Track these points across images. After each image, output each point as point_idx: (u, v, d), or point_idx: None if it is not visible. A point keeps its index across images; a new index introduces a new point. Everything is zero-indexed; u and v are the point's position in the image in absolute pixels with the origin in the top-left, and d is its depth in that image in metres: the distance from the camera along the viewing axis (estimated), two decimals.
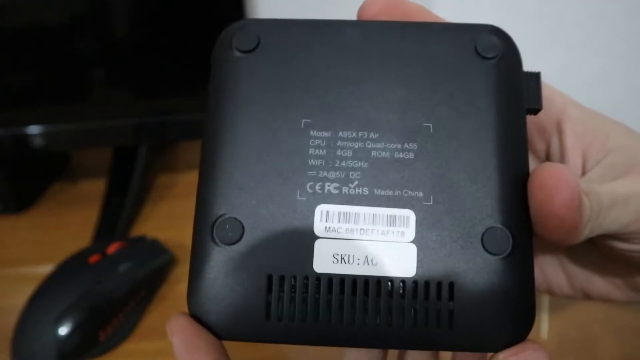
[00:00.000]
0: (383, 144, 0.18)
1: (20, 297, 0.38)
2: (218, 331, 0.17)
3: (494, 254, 0.17)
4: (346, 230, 0.17)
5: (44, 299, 0.37)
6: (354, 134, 0.18)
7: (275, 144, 0.18)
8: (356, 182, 0.18)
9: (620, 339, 0.35)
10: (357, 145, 0.18)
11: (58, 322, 0.35)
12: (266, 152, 0.18)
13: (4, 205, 0.51)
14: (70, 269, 0.39)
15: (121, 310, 0.37)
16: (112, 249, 0.40)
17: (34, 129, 0.47)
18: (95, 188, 0.53)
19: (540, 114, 0.21)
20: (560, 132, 0.22)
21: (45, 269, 0.39)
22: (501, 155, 0.18)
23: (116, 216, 0.48)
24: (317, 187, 0.18)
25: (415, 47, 0.19)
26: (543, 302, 0.37)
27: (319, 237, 0.17)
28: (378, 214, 0.17)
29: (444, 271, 0.17)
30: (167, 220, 0.49)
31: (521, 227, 0.17)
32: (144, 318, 0.39)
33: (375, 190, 0.17)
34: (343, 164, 0.18)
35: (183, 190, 0.54)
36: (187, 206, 0.55)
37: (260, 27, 0.19)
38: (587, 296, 0.26)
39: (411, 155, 0.18)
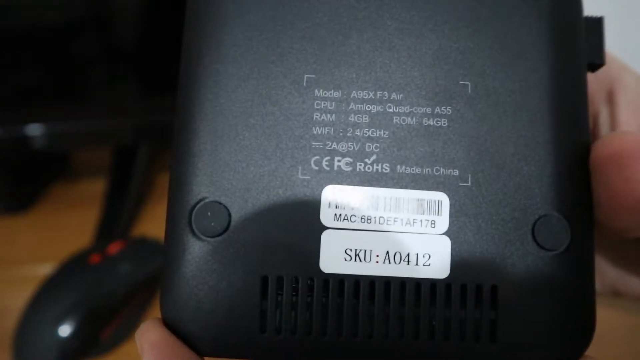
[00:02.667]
0: (408, 107, 0.14)
1: (20, 298, 0.37)
2: (199, 345, 0.14)
3: (548, 250, 0.14)
4: (362, 218, 0.14)
5: (45, 300, 0.37)
6: (371, 95, 0.14)
7: (269, 107, 0.14)
8: (374, 157, 0.14)
9: (624, 338, 0.35)
10: (375, 108, 0.14)
11: (59, 323, 0.35)
12: (258, 118, 0.14)
13: (3, 205, 0.51)
14: (70, 270, 0.39)
15: (122, 310, 0.37)
16: (113, 249, 0.40)
17: (34, 129, 0.47)
18: (95, 188, 0.53)
19: (591, 80, 0.17)
20: (611, 103, 0.19)
21: (46, 269, 0.39)
22: (558, 124, 0.14)
23: (117, 216, 0.48)
24: (325, 163, 0.14)
25: None
26: None
27: (327, 228, 0.14)
28: (402, 198, 0.14)
29: (485, 271, 0.14)
30: None
31: (581, 215, 0.14)
32: (145, 318, 0.39)
33: (398, 167, 0.14)
34: (357, 132, 0.14)
35: None
36: None
37: None
38: (617, 294, 0.23)
39: (444, 123, 0.14)
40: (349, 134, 0.14)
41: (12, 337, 0.35)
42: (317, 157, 0.14)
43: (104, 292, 0.37)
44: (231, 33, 0.14)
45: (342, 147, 0.14)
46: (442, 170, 0.14)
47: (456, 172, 0.14)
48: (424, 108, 0.14)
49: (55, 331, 0.35)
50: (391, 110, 0.14)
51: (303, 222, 0.14)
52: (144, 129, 0.49)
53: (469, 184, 0.14)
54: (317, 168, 0.14)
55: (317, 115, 0.14)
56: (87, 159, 0.60)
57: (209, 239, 0.13)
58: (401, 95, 0.14)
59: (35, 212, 0.52)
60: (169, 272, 0.14)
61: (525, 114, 0.14)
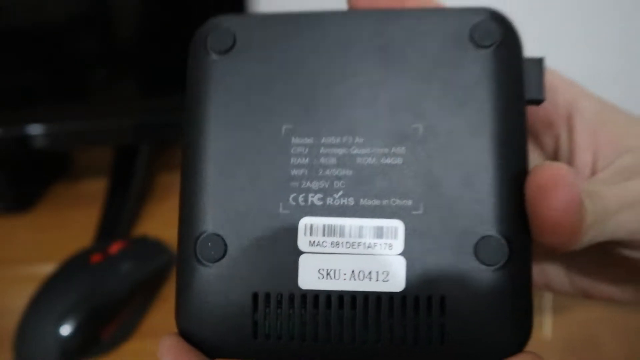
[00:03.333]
0: (369, 149, 0.17)
1: (21, 297, 0.38)
2: (206, 349, 0.17)
3: (488, 265, 0.16)
4: (331, 244, 0.16)
5: (46, 299, 0.37)
6: (338, 140, 0.17)
7: (256, 155, 0.17)
8: (341, 192, 0.16)
9: (624, 339, 0.35)
10: (341, 151, 0.17)
11: (60, 322, 0.35)
12: (247, 164, 0.17)
13: (4, 205, 0.51)
14: (71, 269, 0.39)
15: (123, 309, 0.37)
16: (114, 248, 0.40)
17: (35, 129, 0.47)
18: (96, 188, 0.53)
19: (549, 106, 0.19)
20: (570, 128, 0.20)
21: (47, 268, 0.39)
22: (498, 157, 0.16)
23: (118, 216, 0.48)
24: (301, 199, 0.16)
25: (403, 38, 0.17)
26: (547, 302, 0.37)
27: (303, 252, 0.16)
28: (364, 226, 0.16)
29: (435, 285, 0.16)
30: (169, 220, 0.49)
31: (519, 235, 0.16)
32: (146, 317, 0.39)
33: (361, 200, 0.16)
34: (327, 172, 0.17)
35: None
36: None
37: (236, 24, 0.18)
38: (589, 296, 0.25)
39: (399, 161, 0.16)
40: (320, 174, 0.17)
41: (13, 336, 0.36)
42: (294, 195, 0.16)
43: (104, 291, 0.37)
44: (222, 96, 0.17)
45: (315, 185, 0.16)
46: (397, 201, 0.16)
47: (410, 202, 0.16)
48: (382, 149, 0.17)
49: (56, 330, 0.35)
50: (355, 152, 0.17)
51: (284, 248, 0.16)
52: (145, 128, 0.49)
53: (421, 211, 0.16)
54: (294, 204, 0.16)
55: (293, 159, 0.17)
56: (87, 159, 0.60)
57: (210, 264, 0.16)
58: (363, 139, 0.17)
59: (36, 211, 0.52)
60: (181, 291, 0.17)
61: (469, 149, 0.16)
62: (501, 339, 0.16)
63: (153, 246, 0.43)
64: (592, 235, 0.16)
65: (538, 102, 0.18)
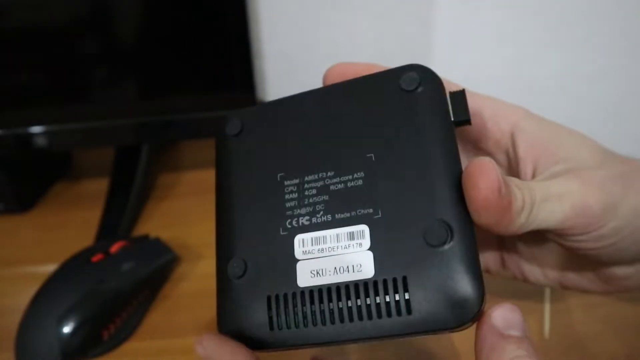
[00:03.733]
0: (338, 178, 0.23)
1: (23, 297, 0.38)
2: (239, 340, 0.22)
3: (435, 246, 0.20)
4: (318, 250, 0.22)
5: (47, 298, 0.37)
6: (316, 176, 0.23)
7: (262, 198, 0.24)
8: (321, 212, 0.22)
9: (622, 337, 0.35)
10: (319, 184, 0.23)
11: (61, 321, 0.35)
12: (256, 204, 0.24)
13: (6, 205, 0.51)
14: (73, 268, 0.39)
15: (124, 309, 0.38)
16: (115, 248, 0.40)
17: (36, 129, 0.48)
18: (97, 187, 0.53)
19: (495, 128, 0.25)
20: (513, 144, 0.25)
21: (48, 268, 0.39)
22: (432, 163, 0.21)
23: (119, 215, 0.48)
24: (294, 222, 0.23)
25: (355, 100, 0.24)
26: (545, 301, 0.37)
27: (299, 260, 0.22)
28: (340, 233, 0.22)
29: (397, 268, 0.20)
30: (170, 220, 0.50)
31: (458, 218, 0.20)
32: (147, 317, 0.39)
33: (336, 215, 0.22)
34: (311, 200, 0.23)
35: (185, 189, 0.54)
36: (189, 205, 0.55)
37: (242, 115, 0.25)
38: (564, 287, 0.28)
39: (360, 182, 0.22)
40: (305, 202, 0.23)
41: (15, 335, 0.36)
42: (290, 220, 0.23)
43: (106, 290, 0.37)
44: (236, 163, 0.25)
45: (303, 211, 0.23)
46: (362, 210, 0.22)
47: (371, 210, 0.22)
48: (347, 176, 0.22)
49: (57, 330, 0.35)
50: (328, 182, 0.23)
51: (286, 260, 0.22)
52: (146, 128, 0.49)
53: (380, 215, 0.21)
54: (290, 226, 0.23)
55: (287, 195, 0.23)
56: (88, 159, 0.60)
57: (236, 280, 0.22)
58: (333, 172, 0.23)
59: (37, 211, 0.52)
60: (220, 300, 0.23)
61: (411, 162, 0.21)
62: (456, 306, 0.19)
63: (154, 246, 0.43)
64: (524, 219, 0.21)
65: (466, 121, 0.23)
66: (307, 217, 0.22)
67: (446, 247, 0.20)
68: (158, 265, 0.41)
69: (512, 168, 0.25)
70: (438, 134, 0.22)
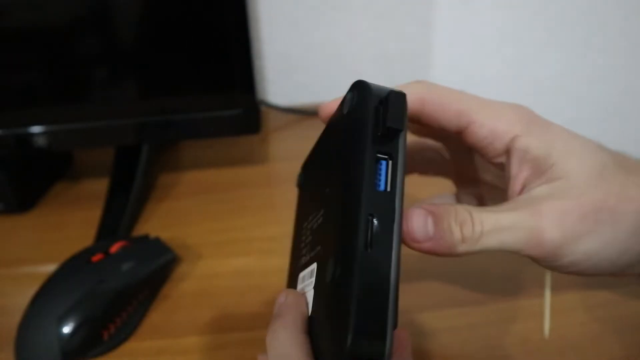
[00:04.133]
0: (315, 217, 0.25)
1: (22, 297, 0.38)
2: None
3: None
4: (305, 285, 0.25)
5: (47, 298, 0.37)
6: (311, 218, 0.26)
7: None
8: (305, 251, 0.25)
9: (621, 338, 0.35)
10: (309, 225, 0.26)
11: (61, 321, 0.35)
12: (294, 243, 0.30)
13: (6, 204, 0.51)
14: (73, 268, 0.39)
15: (124, 309, 0.38)
16: (115, 248, 0.40)
17: (36, 129, 0.48)
18: (97, 187, 0.53)
19: (490, 148, 0.25)
20: (508, 157, 0.25)
21: (48, 268, 0.39)
22: (345, 192, 0.21)
23: (119, 215, 0.48)
24: (300, 264, 0.26)
25: (332, 138, 0.25)
26: (545, 302, 0.37)
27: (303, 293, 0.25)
28: (306, 273, 0.25)
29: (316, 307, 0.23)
30: (170, 219, 0.50)
31: (380, 232, 0.20)
32: (147, 317, 0.39)
33: (310, 253, 0.25)
34: (306, 240, 0.26)
35: (185, 189, 0.54)
36: (189, 205, 0.55)
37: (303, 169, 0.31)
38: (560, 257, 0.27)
39: (321, 219, 0.24)
40: (302, 245, 0.27)
41: (15, 335, 0.36)
42: (297, 261, 0.28)
43: (106, 290, 0.37)
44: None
45: (303, 251, 0.27)
46: (318, 247, 0.24)
47: (319, 247, 0.23)
48: (318, 214, 0.24)
49: (57, 330, 0.35)
50: (312, 222, 0.25)
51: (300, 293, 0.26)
52: (147, 128, 0.49)
53: (319, 254, 0.23)
54: (296, 266, 0.28)
55: (302, 238, 0.27)
56: (89, 159, 0.61)
57: None
58: (315, 212, 0.25)
59: (37, 211, 0.52)
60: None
61: (335, 194, 0.22)
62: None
63: (154, 246, 0.43)
64: (466, 247, 0.22)
65: (397, 131, 0.21)
66: (305, 258, 0.25)
67: (372, 252, 0.20)
68: (158, 265, 0.41)
69: (507, 181, 0.26)
70: (357, 156, 0.21)
